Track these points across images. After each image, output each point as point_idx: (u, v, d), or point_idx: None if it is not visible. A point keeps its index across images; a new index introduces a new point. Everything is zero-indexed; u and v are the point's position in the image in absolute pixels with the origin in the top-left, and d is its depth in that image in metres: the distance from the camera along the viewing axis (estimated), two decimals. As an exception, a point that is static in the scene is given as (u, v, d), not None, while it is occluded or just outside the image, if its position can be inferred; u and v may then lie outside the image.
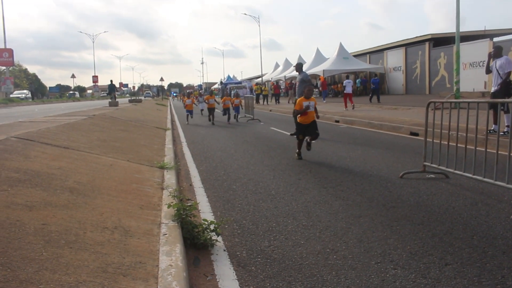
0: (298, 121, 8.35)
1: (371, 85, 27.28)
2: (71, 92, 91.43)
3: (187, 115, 19.56)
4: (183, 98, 44.84)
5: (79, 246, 2.92)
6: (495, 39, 28.37)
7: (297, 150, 8.41)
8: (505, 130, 8.99)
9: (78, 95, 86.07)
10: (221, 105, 19.82)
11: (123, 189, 4.96)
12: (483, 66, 27.02)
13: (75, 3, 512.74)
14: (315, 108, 8.39)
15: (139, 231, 3.54)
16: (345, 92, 22.60)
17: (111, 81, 33.06)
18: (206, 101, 19.69)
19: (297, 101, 8.44)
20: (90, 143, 8.03)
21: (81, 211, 3.74)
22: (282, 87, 38.92)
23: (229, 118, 18.81)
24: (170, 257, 3.03)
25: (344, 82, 24.09)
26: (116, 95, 33.95)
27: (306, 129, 8.30)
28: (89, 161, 6.28)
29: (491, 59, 9.77)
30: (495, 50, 9.68)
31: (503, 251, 3.58)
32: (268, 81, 51.13)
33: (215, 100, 19.49)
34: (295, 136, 8.53)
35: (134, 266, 2.79)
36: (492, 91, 9.71)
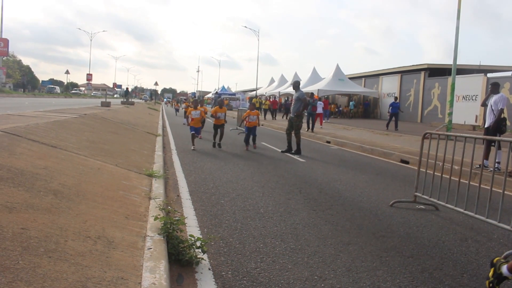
0: None
1: (389, 108, 24.82)
2: (50, 86, 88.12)
3: (193, 135, 12.63)
4: (176, 106, 42.38)
5: (58, 255, 2.77)
6: (489, 75, 28.76)
7: None
8: (495, 166, 9.01)
9: (58, 90, 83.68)
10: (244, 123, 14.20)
11: (109, 196, 4.81)
12: (476, 99, 27.43)
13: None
14: None
15: (123, 243, 3.40)
16: (317, 112, 23.60)
17: (127, 88, 59.68)
18: (213, 115, 13.24)
19: None
20: (79, 144, 7.86)
21: (64, 217, 3.59)
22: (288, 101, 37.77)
23: (254, 141, 13.38)
24: (154, 274, 2.89)
25: (317, 103, 24.89)
26: (129, 98, 48.61)
27: None
28: (76, 162, 6.12)
29: (490, 95, 9.87)
30: (492, 86, 9.79)
31: (494, 293, 3.49)
32: (262, 95, 51.16)
33: (225, 115, 13.43)
34: None
35: (115, 282, 2.65)
36: (485, 126, 9.78)
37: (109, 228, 3.68)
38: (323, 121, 27.89)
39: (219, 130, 13.08)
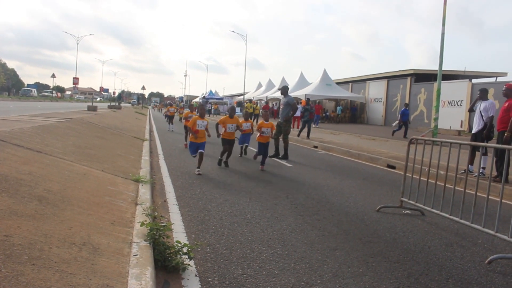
0: None
1: (399, 116, 23.02)
2: (25, 88, 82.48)
3: (201, 155, 9.10)
4: (166, 110, 40.26)
5: (42, 263, 2.73)
6: (474, 81, 29.17)
7: None
8: (480, 171, 9.11)
9: (35, 93, 78.31)
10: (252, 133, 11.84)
11: (95, 202, 4.76)
12: (461, 105, 27.77)
13: (60, 2, 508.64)
14: None
15: (108, 249, 3.36)
16: (295, 115, 23.96)
17: (119, 93, 62.64)
18: (222, 125, 10.17)
19: None
20: (65, 149, 7.78)
21: (49, 223, 3.54)
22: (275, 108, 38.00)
23: (263, 162, 10.36)
24: (140, 281, 2.87)
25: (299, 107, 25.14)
26: (121, 102, 50.72)
27: None
28: (61, 168, 6.05)
29: (477, 100, 9.92)
30: (481, 93, 9.83)
31: (478, 298, 3.53)
32: (250, 99, 51.19)
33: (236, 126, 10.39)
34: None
35: (100, 289, 2.62)
36: (473, 132, 9.84)
37: (94, 234, 3.65)
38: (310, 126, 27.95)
39: (228, 146, 10.17)
